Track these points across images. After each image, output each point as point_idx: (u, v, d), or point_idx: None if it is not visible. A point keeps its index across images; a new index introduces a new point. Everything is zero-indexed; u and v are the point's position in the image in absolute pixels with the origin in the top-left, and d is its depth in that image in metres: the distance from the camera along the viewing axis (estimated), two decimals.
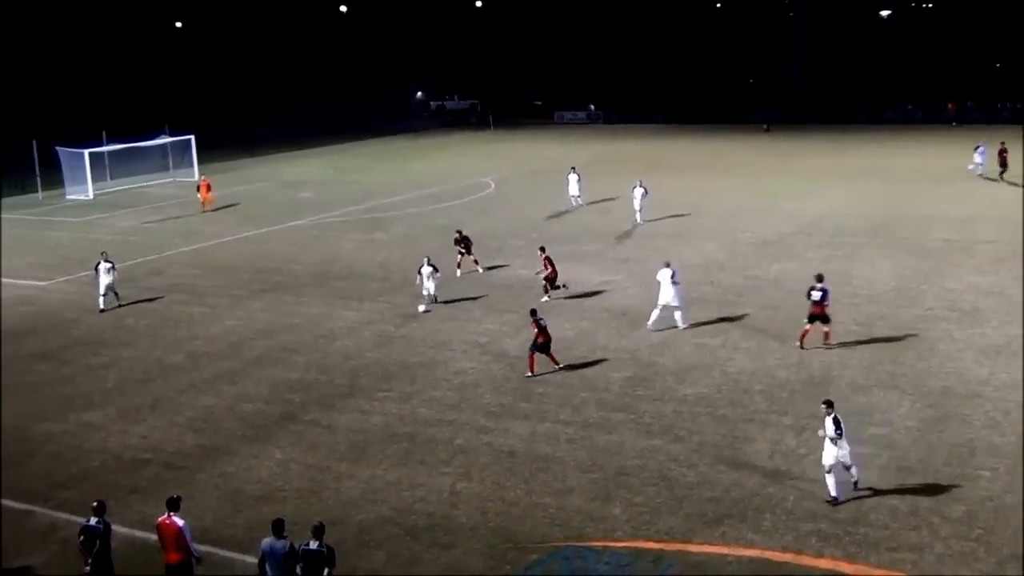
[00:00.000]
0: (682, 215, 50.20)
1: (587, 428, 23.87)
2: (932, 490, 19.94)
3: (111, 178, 68.79)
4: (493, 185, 64.34)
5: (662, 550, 18.24)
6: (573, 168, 54.52)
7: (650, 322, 31.11)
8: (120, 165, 69.10)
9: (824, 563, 17.61)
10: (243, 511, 20.36)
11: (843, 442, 19.40)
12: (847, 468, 19.57)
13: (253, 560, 16.51)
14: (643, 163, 69.51)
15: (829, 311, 28.61)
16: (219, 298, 37.65)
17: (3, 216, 58.25)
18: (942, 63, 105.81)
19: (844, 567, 17.45)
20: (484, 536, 18.95)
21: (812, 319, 28.53)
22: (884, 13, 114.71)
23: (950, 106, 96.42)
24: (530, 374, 27.28)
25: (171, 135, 72.40)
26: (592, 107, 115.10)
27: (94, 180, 65.46)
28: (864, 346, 28.80)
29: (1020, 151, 58.89)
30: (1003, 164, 57.19)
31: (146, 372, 29.35)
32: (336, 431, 24.36)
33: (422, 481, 21.37)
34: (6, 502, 21.03)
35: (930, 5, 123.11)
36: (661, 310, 30.90)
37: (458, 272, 38.89)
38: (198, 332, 33.23)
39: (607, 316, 33.02)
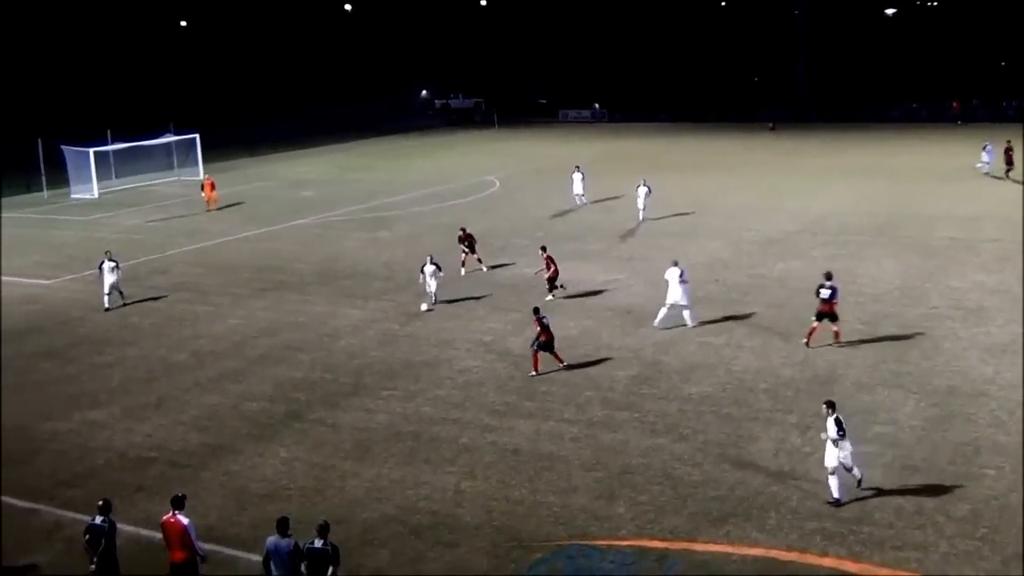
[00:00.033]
0: (686, 214, 50.17)
1: (591, 427, 23.86)
2: (937, 489, 19.91)
3: (116, 177, 68.92)
4: (497, 184, 64.34)
5: (666, 549, 18.24)
6: (577, 167, 54.54)
7: (657, 320, 31.10)
8: (125, 164, 69.16)
9: (828, 562, 17.59)
10: (248, 509, 20.38)
11: (845, 443, 19.32)
12: (848, 470, 19.48)
13: (258, 558, 16.51)
14: (647, 162, 69.53)
15: (838, 309, 28.59)
16: (223, 297, 37.68)
17: (9, 215, 58.44)
18: (947, 61, 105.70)
19: (849, 566, 17.43)
20: (488, 535, 18.95)
21: (820, 317, 28.50)
22: (889, 11, 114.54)
23: (955, 104, 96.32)
24: (534, 373, 27.27)
25: (176, 134, 72.52)
26: (596, 105, 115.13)
27: (99, 179, 65.67)
28: (869, 345, 28.76)
29: (1023, 149, 58.78)
30: (1009, 162, 57.20)
31: (151, 371, 29.39)
32: (341, 430, 24.38)
33: (426, 479, 21.38)
34: (11, 500, 21.07)
35: (935, 3, 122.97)
36: (669, 309, 30.90)
37: (462, 271, 38.89)
38: (202, 331, 33.26)
39: (611, 315, 33.01)
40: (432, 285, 34.19)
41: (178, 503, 16.47)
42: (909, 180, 59.38)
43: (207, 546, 17.43)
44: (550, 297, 34.22)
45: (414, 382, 27.39)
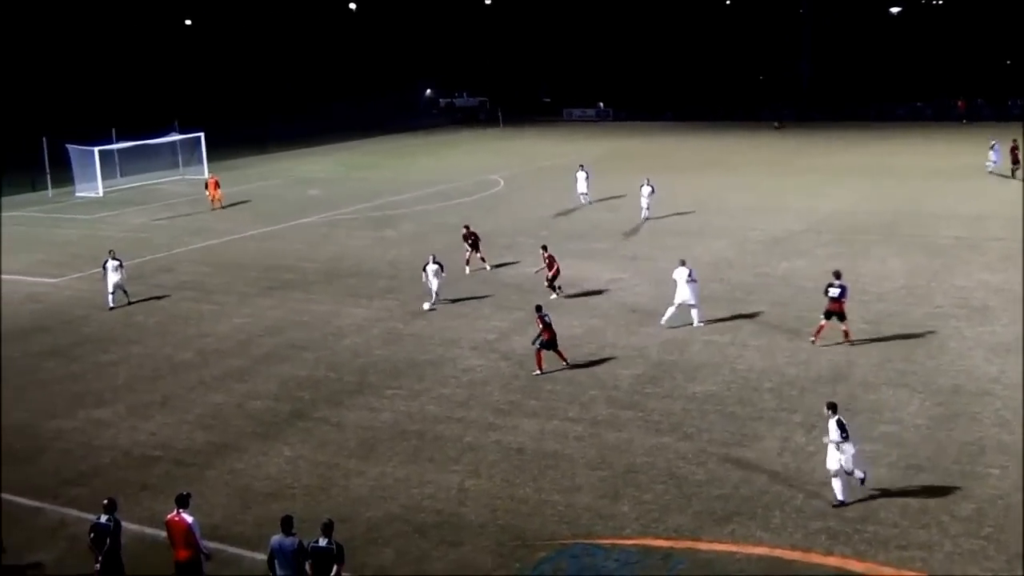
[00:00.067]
0: (691, 213, 50.15)
1: (596, 426, 23.86)
2: (942, 488, 19.89)
3: (121, 175, 69.01)
4: (502, 182, 64.35)
5: (671, 548, 18.23)
6: (581, 166, 54.55)
7: (664, 319, 31.10)
8: (130, 162, 69.28)
9: (833, 561, 17.57)
10: (252, 508, 20.40)
11: (847, 446, 19.17)
12: (848, 474, 19.30)
13: (262, 557, 16.52)
14: (652, 160, 69.51)
15: (846, 308, 28.55)
16: (228, 295, 37.72)
17: (14, 214, 58.59)
18: (952, 60, 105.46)
19: (853, 565, 17.41)
20: (493, 533, 18.95)
21: (828, 315, 28.47)
22: (894, 10, 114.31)
23: (960, 103, 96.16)
24: (538, 372, 27.26)
25: (181, 132, 72.62)
26: (601, 104, 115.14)
27: (104, 177, 65.78)
28: (874, 344, 28.72)
29: None
30: (1015, 161, 57.12)
31: (156, 369, 29.42)
32: (345, 428, 24.39)
33: (431, 478, 21.38)
34: (16, 499, 21.10)
35: (940, 2, 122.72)
36: (677, 308, 30.90)
37: (467, 269, 38.91)
38: (207, 329, 33.30)
39: (616, 314, 33.00)
40: (434, 284, 34.18)
41: (182, 501, 16.49)
42: (914, 179, 59.31)
43: (211, 544, 17.47)
44: (553, 296, 34.21)
45: (418, 381, 27.40)
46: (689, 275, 30.69)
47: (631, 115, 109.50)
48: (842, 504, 19.22)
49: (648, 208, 48.22)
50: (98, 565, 16.34)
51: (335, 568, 15.36)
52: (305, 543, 15.59)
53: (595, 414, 24.55)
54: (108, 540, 16.29)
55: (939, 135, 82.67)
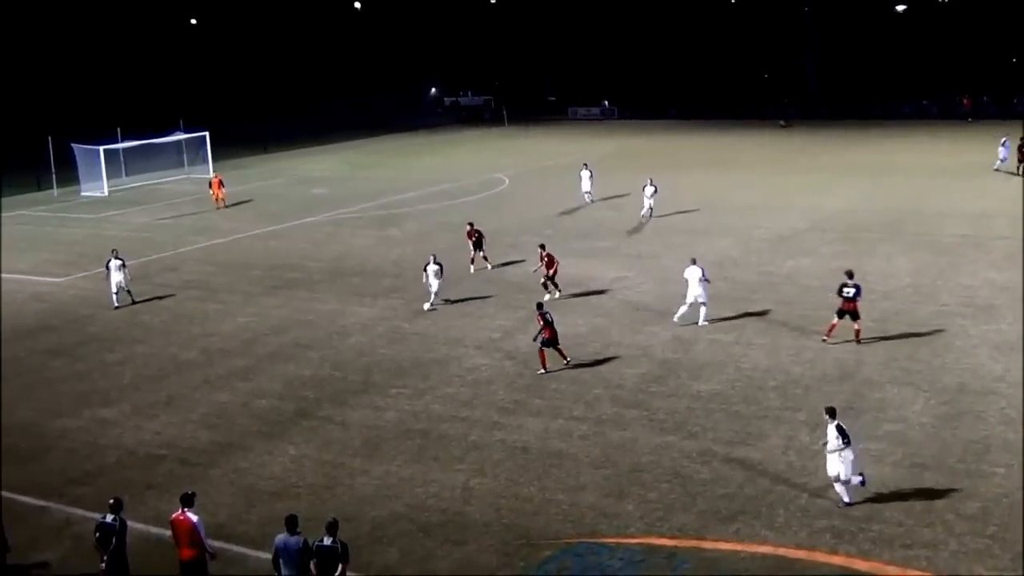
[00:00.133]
0: (696, 211, 50.11)
1: (600, 424, 23.86)
2: (946, 487, 19.87)
3: (126, 175, 69.19)
4: (507, 181, 64.35)
5: (675, 547, 18.22)
6: (585, 164, 54.54)
7: (677, 316, 31.12)
8: (135, 162, 69.41)
9: (838, 560, 17.56)
10: (257, 507, 20.42)
11: (847, 452, 19.02)
12: (844, 483, 19.16)
13: (267, 556, 16.53)
14: (657, 159, 69.50)
15: (860, 308, 28.51)
16: (233, 294, 37.75)
17: (20, 213, 58.70)
18: (958, 58, 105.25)
19: (858, 564, 17.40)
20: (497, 532, 18.96)
21: (841, 314, 28.42)
22: (899, 8, 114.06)
23: (966, 101, 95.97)
24: (543, 371, 27.26)
25: (185, 132, 72.69)
26: (606, 103, 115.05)
27: (109, 177, 65.84)
28: (879, 342, 28.69)
29: None
30: (1022, 159, 57.05)
31: (161, 368, 29.46)
32: (350, 427, 24.41)
33: (435, 477, 21.39)
34: (22, 498, 21.14)
35: (945, 0, 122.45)
36: (689, 306, 30.89)
37: (471, 268, 38.92)
38: (212, 329, 33.33)
39: (620, 312, 32.99)
40: (434, 285, 34.10)
41: (187, 501, 16.52)
42: (919, 177, 59.22)
43: (216, 544, 17.50)
44: (547, 297, 33.70)
45: (423, 380, 27.41)
46: (702, 274, 30.69)
47: (636, 113, 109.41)
48: (848, 504, 19.19)
49: (651, 208, 48.12)
50: (103, 564, 16.36)
51: (340, 567, 15.37)
52: (310, 542, 15.60)
53: (600, 413, 24.55)
54: (114, 540, 16.30)
55: (944, 133, 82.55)
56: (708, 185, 58.61)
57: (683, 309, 31.02)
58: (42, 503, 20.98)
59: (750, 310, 32.39)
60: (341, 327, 32.69)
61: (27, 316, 35.83)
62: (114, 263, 36.00)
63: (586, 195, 53.56)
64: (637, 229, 46.82)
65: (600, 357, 28.49)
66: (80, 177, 66.50)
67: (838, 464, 19.10)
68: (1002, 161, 58.79)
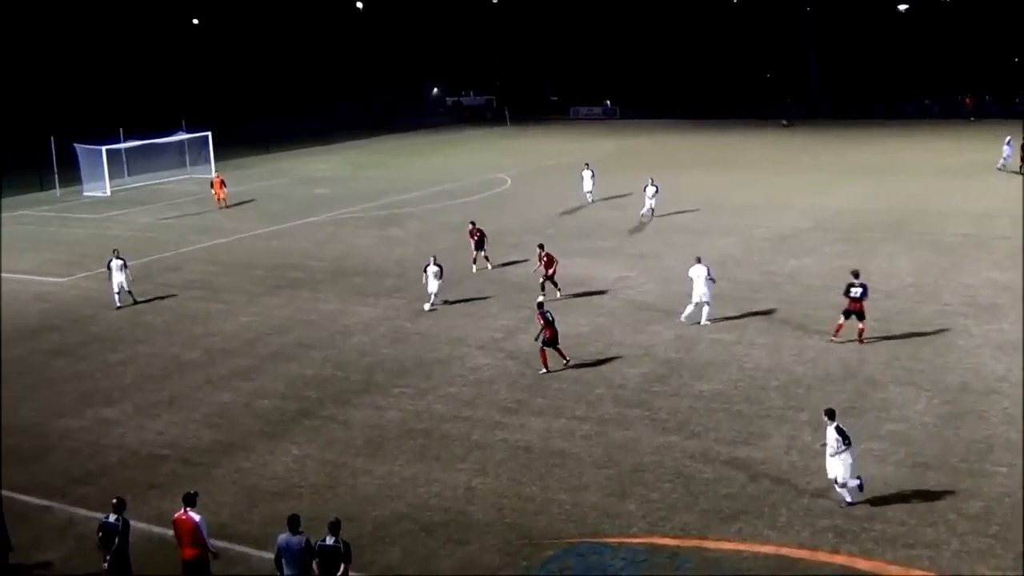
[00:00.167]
0: (698, 210, 50.10)
1: (603, 424, 23.85)
2: (949, 486, 19.85)
3: (128, 175, 69.20)
4: (509, 181, 64.36)
5: (678, 546, 18.22)
6: (587, 164, 54.55)
7: (683, 316, 31.12)
8: (137, 162, 69.41)
9: (840, 559, 17.55)
10: (259, 507, 20.43)
11: (847, 454, 18.99)
12: (842, 486, 19.11)
13: (269, 556, 16.54)
14: (659, 158, 69.50)
15: (866, 308, 28.49)
16: (235, 294, 37.77)
17: (23, 213, 58.78)
18: (960, 57, 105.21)
19: (860, 564, 17.39)
20: (500, 532, 18.96)
21: (848, 314, 28.39)
22: (902, 7, 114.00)
23: (968, 101, 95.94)
24: (545, 370, 27.25)
25: (188, 132, 72.73)
26: (608, 102, 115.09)
27: (112, 177, 65.92)
28: (881, 342, 28.67)
29: None
30: None
31: (163, 368, 29.48)
32: (352, 427, 24.42)
33: (438, 477, 21.40)
34: (24, 497, 21.14)
35: None
36: (695, 306, 30.89)
37: (473, 268, 38.93)
38: (214, 328, 33.35)
39: (622, 312, 32.98)
40: (433, 286, 34.06)
41: (190, 500, 16.52)
42: (921, 176, 59.21)
43: (219, 543, 17.47)
44: (541, 297, 33.58)
45: (425, 379, 27.42)
46: (708, 273, 30.69)
47: (638, 113, 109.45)
48: (851, 504, 19.19)
49: (652, 208, 48.08)
50: (106, 564, 16.37)
51: (342, 567, 15.38)
52: (312, 542, 15.60)
53: (602, 412, 24.55)
54: (116, 539, 16.31)
55: (947, 132, 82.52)
56: (710, 185, 58.59)
57: (689, 308, 31.02)
58: (45, 503, 21.00)
59: (752, 310, 32.38)
60: (343, 327, 32.70)
61: (30, 316, 35.86)
62: (115, 263, 36.02)
63: (588, 195, 53.57)
64: (639, 229, 46.83)
65: (602, 357, 28.48)
66: (83, 177, 66.55)
67: (838, 466, 19.10)
68: (1005, 159, 58.76)
